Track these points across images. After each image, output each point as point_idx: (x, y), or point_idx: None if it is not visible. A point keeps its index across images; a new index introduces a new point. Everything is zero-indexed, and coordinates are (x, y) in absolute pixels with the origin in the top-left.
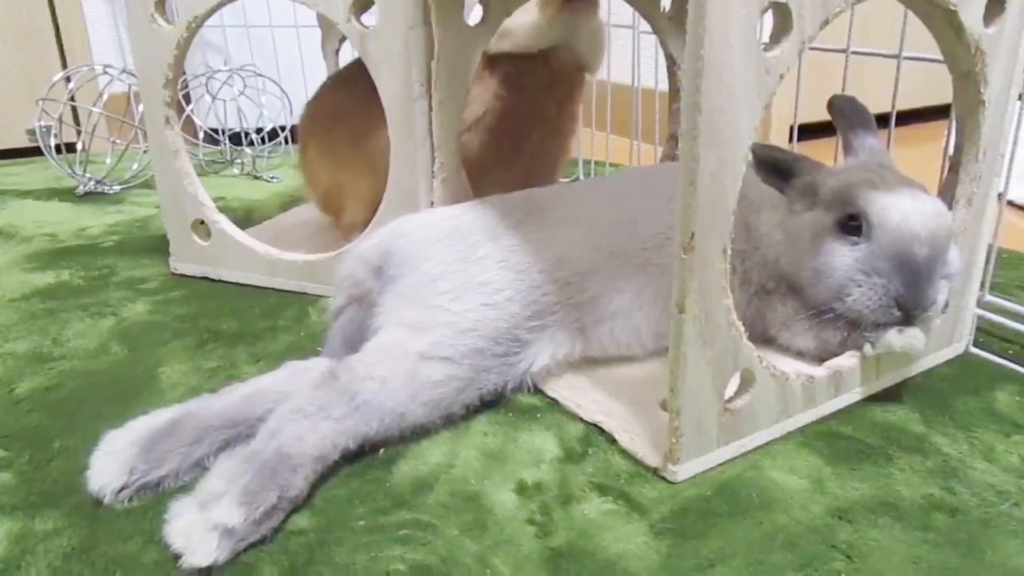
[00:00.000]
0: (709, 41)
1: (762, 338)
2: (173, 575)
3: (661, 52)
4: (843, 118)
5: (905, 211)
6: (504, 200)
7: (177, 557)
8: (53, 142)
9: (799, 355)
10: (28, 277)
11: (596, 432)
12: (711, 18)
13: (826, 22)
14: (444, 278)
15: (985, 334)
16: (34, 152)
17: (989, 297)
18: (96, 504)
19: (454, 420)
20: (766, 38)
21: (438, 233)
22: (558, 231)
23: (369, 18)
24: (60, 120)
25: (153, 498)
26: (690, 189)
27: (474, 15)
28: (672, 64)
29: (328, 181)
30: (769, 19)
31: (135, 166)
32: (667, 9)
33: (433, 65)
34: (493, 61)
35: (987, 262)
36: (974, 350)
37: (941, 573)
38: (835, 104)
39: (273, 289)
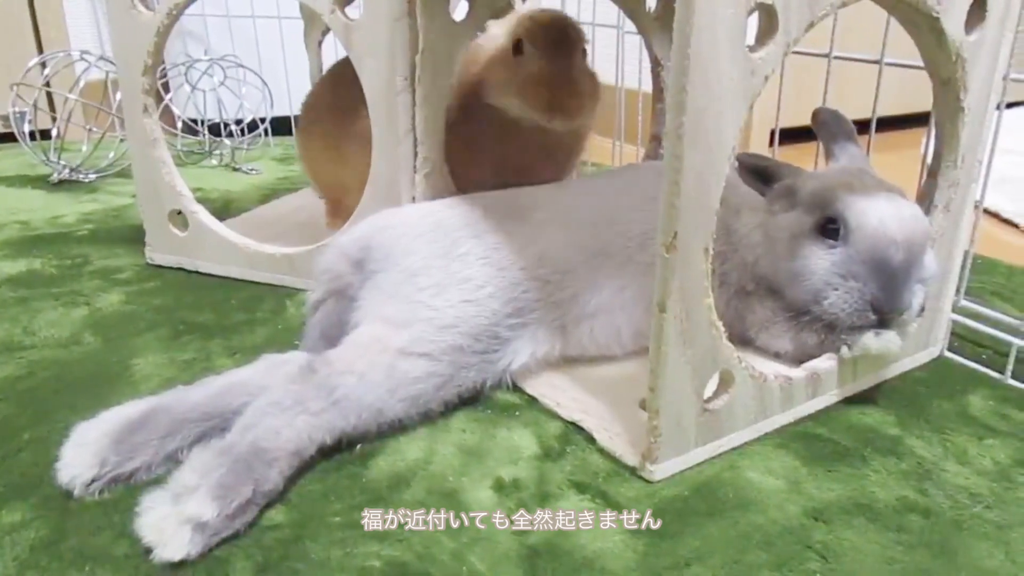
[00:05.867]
0: (696, 40)
1: (740, 339)
2: (144, 569)
3: (644, 53)
4: (826, 130)
5: (882, 215)
6: (487, 197)
7: (148, 551)
8: (27, 128)
9: (777, 357)
10: None
11: (575, 430)
12: (698, 17)
13: (811, 24)
14: (425, 273)
15: (959, 338)
16: (8, 138)
17: (964, 302)
18: (66, 496)
19: (432, 416)
20: (751, 40)
21: (420, 228)
22: (540, 229)
23: (354, 10)
24: (35, 106)
25: (125, 491)
26: (674, 188)
27: (460, 9)
28: (656, 65)
29: (331, 173)
30: (755, 21)
31: (111, 154)
32: (653, 9)
33: (417, 59)
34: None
35: (963, 267)
36: (949, 354)
37: (914, 574)
38: (819, 117)
39: (251, 281)
